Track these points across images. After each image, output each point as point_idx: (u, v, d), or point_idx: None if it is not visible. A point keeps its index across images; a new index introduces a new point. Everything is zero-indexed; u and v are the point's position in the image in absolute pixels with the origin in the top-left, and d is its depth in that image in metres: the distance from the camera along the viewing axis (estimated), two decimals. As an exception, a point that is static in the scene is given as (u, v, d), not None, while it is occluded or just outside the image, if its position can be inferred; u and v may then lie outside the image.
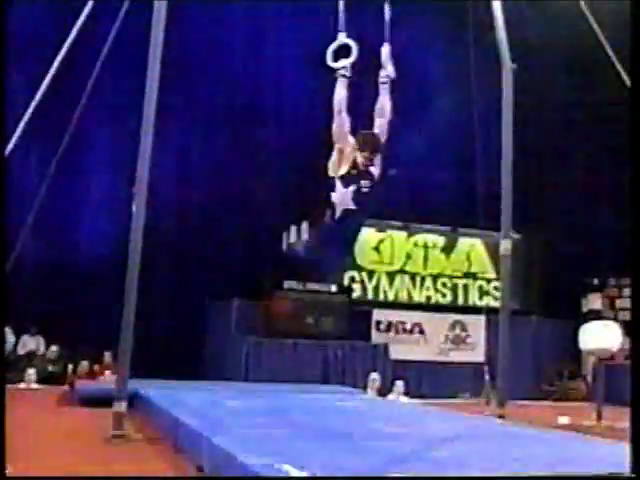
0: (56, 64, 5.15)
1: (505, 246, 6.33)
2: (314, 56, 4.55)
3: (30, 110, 5.16)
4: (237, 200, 9.64)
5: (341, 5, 4.26)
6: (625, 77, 5.58)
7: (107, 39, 5.51)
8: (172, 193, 9.16)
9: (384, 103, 4.32)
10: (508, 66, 6.20)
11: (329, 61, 4.09)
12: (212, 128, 9.39)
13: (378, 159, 4.14)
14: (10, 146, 5.01)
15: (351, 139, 4.07)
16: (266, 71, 9.72)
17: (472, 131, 7.44)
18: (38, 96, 5.17)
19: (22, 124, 5.13)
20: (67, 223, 8.99)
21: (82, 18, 5.17)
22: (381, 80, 4.27)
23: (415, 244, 11.13)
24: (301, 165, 9.01)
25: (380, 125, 4.29)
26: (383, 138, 4.20)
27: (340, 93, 4.12)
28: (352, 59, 4.04)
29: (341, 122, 4.10)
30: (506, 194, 6.25)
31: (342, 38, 4.17)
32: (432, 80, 10.35)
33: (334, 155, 4.14)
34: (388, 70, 4.32)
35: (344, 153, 4.12)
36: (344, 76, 4.11)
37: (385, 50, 4.36)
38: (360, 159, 4.12)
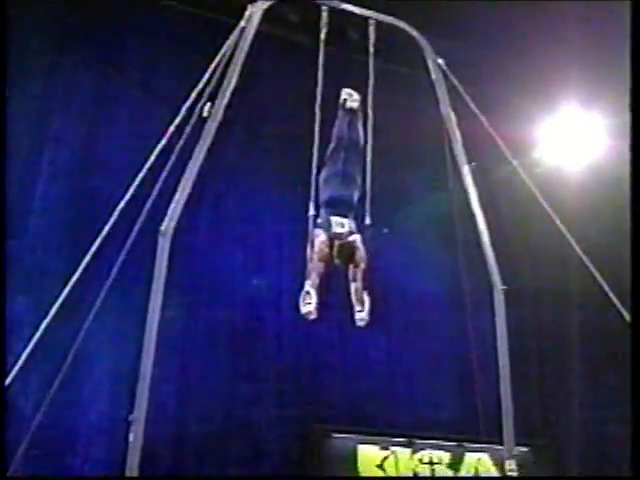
0: (63, 296, 5.38)
1: (509, 467, 6.18)
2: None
3: (37, 335, 5.36)
4: (238, 425, 9.46)
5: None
6: (622, 309, 5.87)
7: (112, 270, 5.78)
8: (172, 418, 9.01)
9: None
10: (498, 287, 6.43)
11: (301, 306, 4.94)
12: (212, 350, 9.47)
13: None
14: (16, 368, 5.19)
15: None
16: (266, 296, 9.98)
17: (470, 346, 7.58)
18: (44, 324, 5.40)
19: (27, 350, 5.32)
20: (61, 447, 8.77)
21: (89, 255, 5.49)
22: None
23: (420, 461, 10.81)
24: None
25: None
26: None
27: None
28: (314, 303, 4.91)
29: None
30: (507, 413, 6.20)
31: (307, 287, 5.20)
32: (426, 300, 10.69)
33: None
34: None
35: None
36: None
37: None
38: (337, 263, 5.32)
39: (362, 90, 6.48)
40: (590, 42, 9.64)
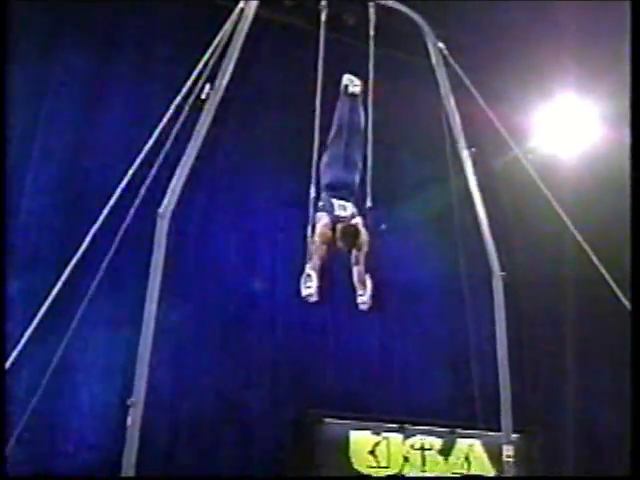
0: (60, 283, 5.32)
1: (507, 452, 6.19)
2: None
3: (35, 322, 5.32)
4: (232, 412, 9.44)
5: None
6: (620, 296, 5.89)
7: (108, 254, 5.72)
8: (166, 403, 8.97)
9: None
10: (497, 274, 6.43)
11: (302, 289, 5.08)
12: (205, 335, 9.42)
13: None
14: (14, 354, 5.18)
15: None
16: (260, 282, 9.93)
17: (467, 332, 7.60)
18: (42, 311, 5.35)
19: (25, 337, 5.29)
20: (56, 432, 8.72)
21: (87, 240, 5.43)
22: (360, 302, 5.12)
23: (412, 446, 10.83)
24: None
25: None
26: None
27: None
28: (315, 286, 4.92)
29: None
30: (505, 399, 6.20)
31: (308, 270, 5.20)
32: (421, 286, 10.68)
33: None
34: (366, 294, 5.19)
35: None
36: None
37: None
38: (340, 245, 5.27)
39: (360, 76, 6.45)
40: (586, 29, 9.62)
